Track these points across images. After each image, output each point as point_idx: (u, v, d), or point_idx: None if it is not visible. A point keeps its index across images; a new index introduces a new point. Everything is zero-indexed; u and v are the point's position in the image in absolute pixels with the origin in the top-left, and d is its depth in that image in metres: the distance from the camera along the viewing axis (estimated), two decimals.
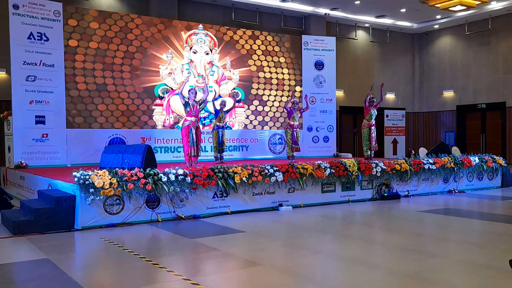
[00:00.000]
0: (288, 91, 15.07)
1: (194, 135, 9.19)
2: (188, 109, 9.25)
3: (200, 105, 9.42)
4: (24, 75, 10.91)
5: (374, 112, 11.27)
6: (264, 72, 14.72)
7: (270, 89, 14.83)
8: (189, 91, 9.49)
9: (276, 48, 14.98)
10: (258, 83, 14.59)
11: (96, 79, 12.14)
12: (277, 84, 14.95)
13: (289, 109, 10.92)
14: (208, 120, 13.30)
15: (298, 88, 15.13)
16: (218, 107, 12.00)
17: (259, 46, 14.63)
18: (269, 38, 14.88)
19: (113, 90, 12.38)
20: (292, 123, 10.99)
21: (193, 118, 9.22)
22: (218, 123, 11.76)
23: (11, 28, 10.75)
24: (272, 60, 14.89)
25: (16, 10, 10.81)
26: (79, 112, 11.91)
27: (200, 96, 10.84)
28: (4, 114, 11.38)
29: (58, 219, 6.66)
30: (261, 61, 14.67)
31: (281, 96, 14.98)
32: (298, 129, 11.12)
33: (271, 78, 14.85)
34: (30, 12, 10.98)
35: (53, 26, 11.31)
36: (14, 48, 10.77)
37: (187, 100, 9.32)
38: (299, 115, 11.32)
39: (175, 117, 13.10)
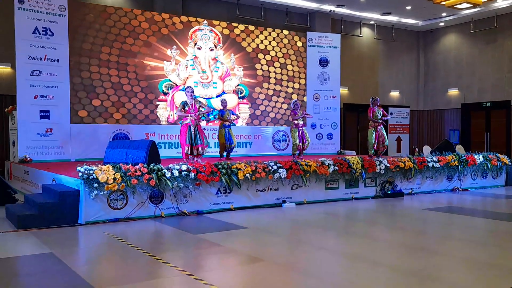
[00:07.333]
0: (293, 88, 15.07)
1: (192, 133, 9.06)
2: (187, 108, 9.12)
3: (199, 108, 9.29)
4: (29, 69, 10.94)
5: (378, 112, 11.23)
6: (269, 69, 14.70)
7: (275, 86, 14.82)
8: (186, 89, 9.32)
9: (281, 45, 14.96)
10: (263, 79, 14.58)
11: (101, 74, 12.16)
12: (281, 80, 14.93)
13: (293, 108, 11.02)
14: (212, 116, 13.26)
15: (293, 96, 14.94)
16: (221, 106, 11.82)
17: (263, 42, 14.61)
18: (274, 34, 14.86)
19: (119, 89, 12.39)
20: (297, 122, 11.00)
21: (192, 116, 9.10)
22: (224, 122, 11.34)
23: (16, 23, 10.77)
24: (277, 56, 14.87)
25: (21, 5, 10.83)
26: (83, 107, 11.94)
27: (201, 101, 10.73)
28: (9, 108, 11.43)
29: (62, 214, 6.69)
30: (266, 57, 14.66)
31: (286, 92, 14.97)
32: (303, 128, 11.15)
33: (275, 74, 14.83)
34: (35, 7, 10.99)
35: (58, 21, 11.33)
36: (19, 42, 10.80)
37: (185, 99, 9.23)
38: (302, 114, 11.26)
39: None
